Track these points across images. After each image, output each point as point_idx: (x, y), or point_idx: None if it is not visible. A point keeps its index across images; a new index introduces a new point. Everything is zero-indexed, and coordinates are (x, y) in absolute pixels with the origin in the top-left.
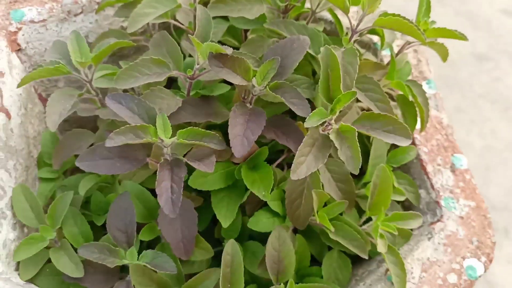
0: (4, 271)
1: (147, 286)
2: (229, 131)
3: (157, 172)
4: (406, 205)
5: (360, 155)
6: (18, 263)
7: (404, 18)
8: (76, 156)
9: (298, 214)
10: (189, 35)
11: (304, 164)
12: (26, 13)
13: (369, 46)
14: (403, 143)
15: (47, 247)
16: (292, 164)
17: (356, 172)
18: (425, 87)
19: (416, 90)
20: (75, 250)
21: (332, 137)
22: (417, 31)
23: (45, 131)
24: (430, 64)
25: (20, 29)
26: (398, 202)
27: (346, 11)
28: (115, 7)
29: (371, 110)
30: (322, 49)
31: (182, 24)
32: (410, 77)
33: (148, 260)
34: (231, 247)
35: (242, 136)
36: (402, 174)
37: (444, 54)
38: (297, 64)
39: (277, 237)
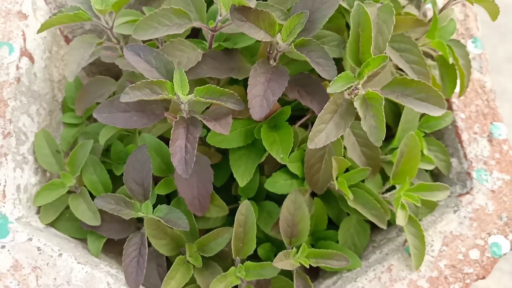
0: (24, 214)
1: (160, 239)
2: (247, 91)
3: (172, 130)
4: (435, 173)
5: (384, 126)
6: (39, 207)
7: None
8: (98, 103)
9: (317, 179)
10: None
11: (324, 132)
12: None
13: None
14: (436, 112)
15: (68, 192)
16: (311, 132)
17: (379, 145)
18: (470, 46)
19: (459, 51)
20: (94, 198)
21: (356, 104)
22: None
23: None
24: (479, 20)
25: None
26: (426, 170)
27: None
28: None
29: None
30: (355, 4)
31: None
32: (454, 35)
33: (162, 214)
34: (245, 207)
35: (262, 97)
36: (434, 140)
37: (494, 12)
38: (327, 19)
39: (293, 201)
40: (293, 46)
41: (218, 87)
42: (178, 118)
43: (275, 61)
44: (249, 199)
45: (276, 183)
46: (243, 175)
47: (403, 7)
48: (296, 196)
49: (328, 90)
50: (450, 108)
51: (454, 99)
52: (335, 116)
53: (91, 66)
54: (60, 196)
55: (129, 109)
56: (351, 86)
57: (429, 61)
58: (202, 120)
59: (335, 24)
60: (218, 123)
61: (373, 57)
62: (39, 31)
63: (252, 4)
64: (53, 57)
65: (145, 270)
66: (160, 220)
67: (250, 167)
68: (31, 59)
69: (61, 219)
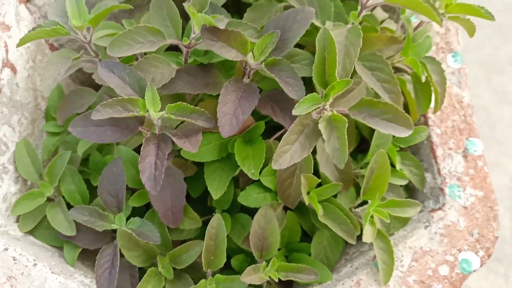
0: (2, 223)
1: (133, 250)
2: (217, 109)
3: (142, 147)
4: (410, 187)
5: (347, 149)
6: (19, 215)
7: None
8: (78, 114)
9: (289, 194)
10: (184, 3)
11: (288, 153)
12: None
13: (394, 10)
14: (403, 133)
15: (48, 200)
16: (275, 152)
17: (342, 167)
18: (449, 60)
19: (433, 68)
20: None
21: (321, 126)
22: (432, 12)
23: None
24: (459, 34)
25: None
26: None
27: None
28: None
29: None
30: (321, 28)
31: None
32: (434, 49)
33: (135, 227)
34: (216, 221)
35: (232, 115)
36: (409, 155)
37: (470, 29)
38: (298, 39)
39: (264, 216)
40: (263, 65)
41: (188, 105)
42: (149, 135)
43: (249, 77)
44: (223, 210)
45: (249, 197)
46: (217, 188)
47: (382, 21)
48: (266, 210)
49: (294, 112)
50: (426, 123)
51: (430, 114)
52: (301, 137)
53: (77, 72)
54: (38, 205)
55: (103, 123)
56: (319, 107)
57: (406, 76)
58: (172, 138)
59: (312, 37)
60: (188, 140)
61: (338, 80)
62: (17, 45)
63: (222, 26)
64: (37, 66)
65: (116, 281)
66: (132, 233)
67: (224, 180)
68: (13, 69)
69: (39, 227)
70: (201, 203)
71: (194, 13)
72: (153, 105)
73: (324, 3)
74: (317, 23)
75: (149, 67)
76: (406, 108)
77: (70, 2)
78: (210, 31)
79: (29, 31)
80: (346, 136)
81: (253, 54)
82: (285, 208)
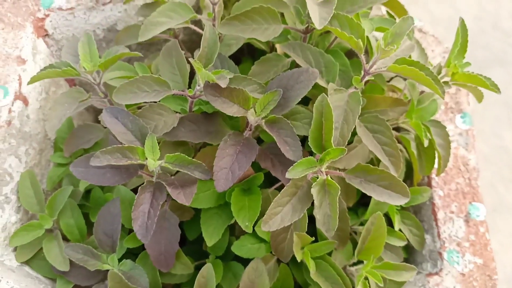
0: (0, 253)
1: None
2: (214, 163)
3: (137, 195)
4: (410, 246)
5: (337, 216)
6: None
7: (422, 66)
8: (85, 149)
9: (282, 248)
10: (190, 59)
11: (279, 215)
12: (55, 0)
13: None
14: (399, 201)
15: (46, 231)
16: (266, 214)
17: (331, 235)
18: (458, 121)
19: (437, 131)
20: (69, 241)
21: (314, 190)
22: (434, 85)
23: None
24: (470, 95)
25: (48, 15)
26: None
27: (359, 51)
28: None
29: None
30: (320, 96)
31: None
32: (443, 108)
33: (126, 269)
34: (207, 270)
35: (228, 169)
36: (409, 215)
37: (478, 97)
38: (299, 99)
39: (254, 269)
40: (263, 123)
41: (186, 156)
42: (145, 183)
43: (250, 130)
44: (217, 257)
45: (243, 247)
46: (211, 235)
47: (391, 79)
48: (258, 264)
49: (287, 175)
50: (429, 184)
51: (434, 176)
52: (293, 199)
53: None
54: (35, 238)
55: (103, 166)
56: (314, 171)
57: (411, 134)
58: (167, 188)
59: (318, 91)
60: (183, 191)
61: (333, 147)
62: (28, 83)
63: (223, 84)
64: (50, 97)
65: None
66: (122, 276)
67: (219, 228)
68: (25, 102)
69: (36, 258)
70: (197, 246)
71: (199, 68)
72: (152, 153)
73: (330, 62)
74: (322, 82)
75: (153, 114)
76: (410, 167)
77: (82, 46)
78: (213, 87)
79: (41, 70)
80: (337, 203)
81: (254, 110)
82: (279, 260)
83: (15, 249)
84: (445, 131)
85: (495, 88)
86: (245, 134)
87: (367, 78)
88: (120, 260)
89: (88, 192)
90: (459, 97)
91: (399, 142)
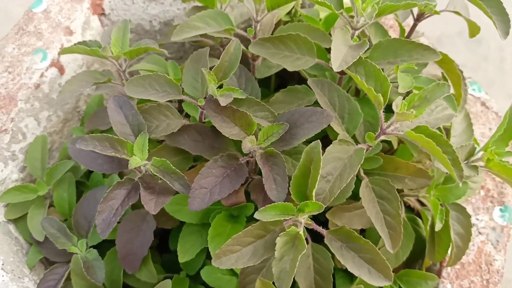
0: None
1: (82, 280)
2: (195, 179)
3: (111, 189)
4: None
5: (293, 275)
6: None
7: (442, 141)
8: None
9: None
10: (202, 68)
11: (235, 255)
12: None
13: None
14: (378, 282)
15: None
16: (220, 248)
17: None
18: (496, 213)
19: (459, 218)
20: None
21: (279, 239)
22: (449, 166)
23: (99, 94)
24: None
25: None
26: None
27: (379, 106)
28: None
29: None
30: (314, 142)
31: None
32: (482, 193)
33: (90, 258)
34: (164, 286)
35: (208, 191)
36: None
37: None
38: (304, 139)
39: None
40: (259, 153)
41: (171, 165)
42: (124, 179)
43: (252, 157)
44: (188, 275)
45: (213, 274)
46: (186, 251)
47: None
48: None
49: (256, 215)
50: (439, 272)
51: (446, 266)
52: (258, 242)
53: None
54: (26, 200)
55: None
56: (289, 219)
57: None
58: (141, 190)
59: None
60: (156, 198)
61: (313, 201)
62: (59, 53)
63: (222, 102)
64: None
65: None
66: (82, 265)
67: (196, 246)
68: (61, 71)
69: (24, 219)
70: (175, 256)
71: (210, 80)
72: (141, 152)
73: (355, 111)
74: (338, 129)
75: (158, 114)
76: (425, 248)
77: (117, 31)
78: (215, 103)
79: (74, 44)
80: (297, 261)
81: (256, 138)
82: None
83: (6, 206)
84: (469, 220)
85: None
86: (240, 160)
87: (382, 137)
88: (96, 248)
89: (91, 172)
90: (505, 187)
91: (418, 216)
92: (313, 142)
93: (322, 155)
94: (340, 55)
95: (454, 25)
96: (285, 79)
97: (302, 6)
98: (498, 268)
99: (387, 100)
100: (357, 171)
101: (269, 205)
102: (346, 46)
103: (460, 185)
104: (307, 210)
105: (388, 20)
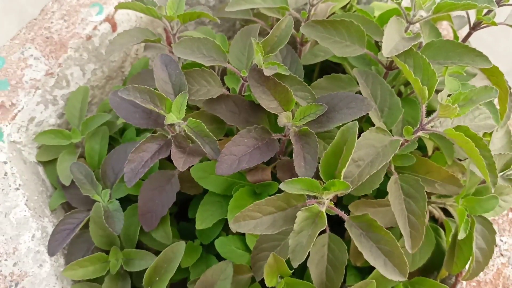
0: (22, 142)
1: (99, 228)
2: (226, 145)
3: (143, 141)
4: None
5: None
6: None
7: (481, 144)
8: None
9: (260, 266)
10: (252, 38)
11: (254, 221)
12: None
13: None
14: (393, 276)
15: (72, 145)
16: (241, 211)
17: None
18: None
19: (483, 232)
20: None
21: (300, 213)
22: (485, 170)
23: (144, 57)
24: None
25: None
26: None
27: (422, 99)
28: None
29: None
30: (351, 122)
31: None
32: (510, 216)
33: (112, 208)
34: (178, 248)
35: (237, 158)
36: None
37: None
38: (342, 123)
39: (222, 270)
40: (293, 130)
41: (206, 129)
42: (157, 134)
43: (285, 136)
44: (202, 244)
45: (227, 246)
46: (204, 219)
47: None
48: (227, 267)
49: (280, 186)
50: (453, 287)
51: (462, 280)
52: (278, 214)
53: None
54: (59, 145)
55: (138, 105)
56: (313, 197)
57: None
58: (172, 146)
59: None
60: (185, 157)
61: (341, 180)
62: (115, 7)
63: (267, 72)
64: None
65: (70, 245)
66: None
67: (215, 216)
68: (114, 27)
69: (53, 163)
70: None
71: (257, 50)
72: (178, 111)
73: (396, 106)
74: (377, 121)
75: (201, 79)
76: (443, 258)
77: None
78: (259, 73)
79: (130, 0)
80: (315, 236)
81: (292, 115)
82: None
83: (39, 148)
84: (493, 236)
85: None
86: (274, 136)
87: (420, 133)
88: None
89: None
90: None
91: (442, 227)
92: (350, 123)
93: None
94: (393, 43)
95: (505, 64)
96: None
97: (358, 3)
98: None
99: (431, 97)
100: (389, 160)
101: (296, 178)
102: (399, 36)
103: (493, 190)
104: (333, 189)
105: (442, 30)
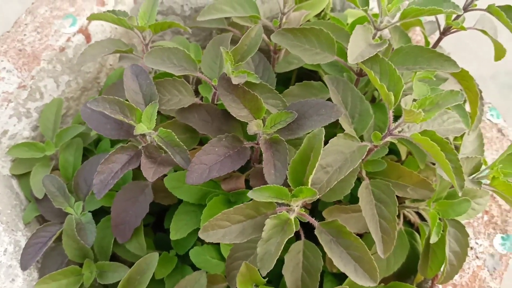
0: None
1: (72, 241)
2: (197, 154)
3: (113, 152)
4: None
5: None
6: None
7: (447, 148)
8: None
9: (234, 275)
10: (221, 47)
11: (223, 230)
12: None
13: None
14: (363, 281)
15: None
16: (209, 220)
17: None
18: (497, 240)
19: (456, 235)
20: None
21: (268, 221)
22: (451, 173)
23: (120, 68)
24: None
25: None
26: None
27: (389, 105)
28: None
29: None
30: (317, 129)
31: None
32: (487, 218)
33: (84, 220)
34: (151, 259)
35: (208, 167)
36: None
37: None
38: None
39: (195, 280)
40: (263, 138)
41: (176, 138)
42: (128, 145)
43: (257, 144)
44: (178, 255)
45: (201, 256)
46: (179, 229)
47: None
48: (201, 277)
49: (249, 194)
50: None
51: (437, 283)
52: (247, 222)
53: None
54: (32, 157)
55: (109, 116)
56: (282, 203)
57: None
58: (142, 157)
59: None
60: (156, 168)
61: (308, 187)
62: (87, 18)
63: (234, 81)
64: None
65: (43, 259)
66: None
67: (189, 226)
68: (88, 38)
69: (27, 176)
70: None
71: (226, 59)
72: (149, 121)
73: (367, 112)
74: (347, 127)
75: (172, 88)
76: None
77: (145, 5)
78: (227, 81)
79: (103, 12)
80: (283, 244)
81: (263, 123)
82: None
83: (13, 161)
84: (466, 240)
85: None
86: (246, 144)
87: (388, 138)
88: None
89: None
90: (511, 216)
91: (417, 232)
92: (316, 129)
93: (325, 145)
94: (358, 49)
95: (488, 68)
96: None
97: (332, 10)
98: None
99: (398, 102)
100: (356, 165)
101: (264, 186)
102: (366, 43)
103: (460, 194)
104: (302, 196)
105: (416, 36)
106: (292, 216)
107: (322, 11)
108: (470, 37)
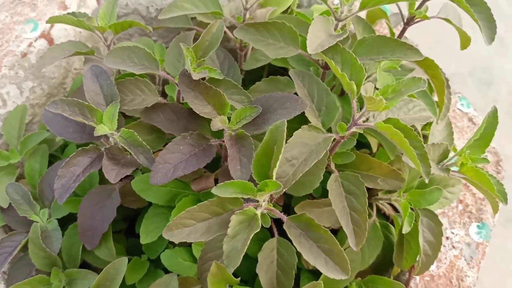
0: None
1: (39, 250)
2: (160, 153)
3: (74, 155)
4: None
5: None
6: None
7: (412, 135)
8: None
9: (206, 277)
10: (181, 43)
11: (188, 229)
12: None
13: None
14: (334, 274)
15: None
16: (173, 220)
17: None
18: (473, 229)
19: (430, 225)
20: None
21: (234, 217)
22: (416, 160)
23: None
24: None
25: None
26: None
27: (352, 94)
28: None
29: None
30: (280, 121)
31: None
32: (460, 208)
33: (50, 228)
34: (120, 264)
35: (172, 166)
36: None
37: (493, 206)
38: None
39: (166, 284)
40: (228, 134)
41: (139, 138)
42: (89, 147)
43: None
44: (150, 259)
45: (173, 258)
46: (149, 233)
47: None
48: (172, 280)
49: (212, 190)
50: (407, 283)
51: (413, 275)
52: (213, 219)
53: None
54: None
55: (70, 119)
56: (248, 198)
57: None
58: (104, 159)
59: None
60: (118, 169)
61: (272, 180)
62: (47, 22)
63: (195, 76)
64: None
65: (10, 269)
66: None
67: (160, 229)
68: (51, 43)
69: None
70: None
71: (187, 55)
72: (110, 122)
73: (333, 104)
74: (313, 120)
75: (135, 88)
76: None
77: (107, 5)
78: (189, 77)
79: (63, 15)
80: (248, 241)
81: (228, 119)
82: None
83: None
84: (440, 228)
85: (502, 196)
86: (212, 141)
87: (354, 128)
88: (61, 221)
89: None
90: (485, 204)
91: (392, 224)
92: (279, 121)
93: (290, 138)
94: (318, 40)
95: (466, 65)
96: None
97: (299, 7)
98: (469, 285)
99: (360, 91)
100: (321, 157)
101: (228, 181)
102: (326, 33)
103: (427, 181)
104: (267, 190)
105: (383, 29)
106: (259, 212)
107: (289, 7)
108: (448, 34)
